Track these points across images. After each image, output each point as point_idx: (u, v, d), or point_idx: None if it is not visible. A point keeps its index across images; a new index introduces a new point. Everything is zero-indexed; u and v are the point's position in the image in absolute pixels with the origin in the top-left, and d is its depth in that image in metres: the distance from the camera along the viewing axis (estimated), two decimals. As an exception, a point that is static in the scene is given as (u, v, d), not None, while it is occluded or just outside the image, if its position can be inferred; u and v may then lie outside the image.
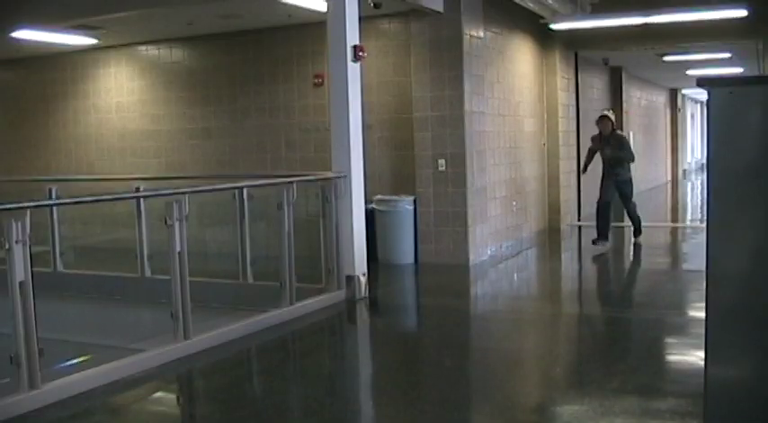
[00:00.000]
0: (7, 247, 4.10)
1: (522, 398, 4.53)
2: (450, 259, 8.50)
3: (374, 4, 7.85)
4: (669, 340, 5.69)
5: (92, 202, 5.90)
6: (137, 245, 7.17)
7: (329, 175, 6.75)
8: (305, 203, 6.78)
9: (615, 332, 5.98)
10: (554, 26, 9.89)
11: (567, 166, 11.95)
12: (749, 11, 8.47)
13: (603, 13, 9.60)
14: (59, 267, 7.89)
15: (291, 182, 6.42)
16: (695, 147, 27.81)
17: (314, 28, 8.69)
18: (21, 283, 4.14)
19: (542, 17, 9.48)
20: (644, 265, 9.37)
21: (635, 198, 9.74)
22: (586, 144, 13.29)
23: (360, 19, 6.81)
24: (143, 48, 10.63)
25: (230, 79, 10.05)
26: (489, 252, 9.05)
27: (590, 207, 13.54)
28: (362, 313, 6.61)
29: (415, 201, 8.66)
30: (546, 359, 5.35)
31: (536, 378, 4.88)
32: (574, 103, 12.41)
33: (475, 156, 8.63)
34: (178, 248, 5.16)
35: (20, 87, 11.81)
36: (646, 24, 9.77)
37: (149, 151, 10.72)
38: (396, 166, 9.00)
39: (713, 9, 8.71)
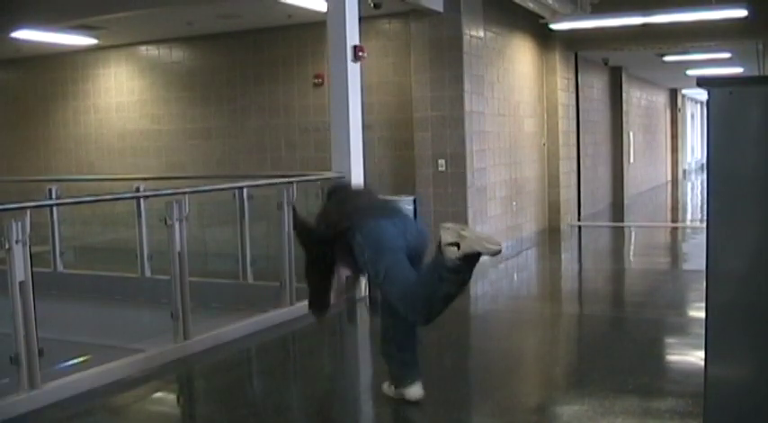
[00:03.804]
0: (7, 247, 4.10)
1: (522, 398, 4.53)
2: (450, 259, 8.47)
3: (374, 4, 7.84)
4: (669, 340, 5.69)
5: (92, 202, 5.90)
6: (137, 245, 7.18)
7: (329, 175, 6.74)
8: (305, 203, 6.77)
9: (615, 332, 5.97)
10: (554, 26, 9.88)
11: (567, 166, 11.95)
12: (749, 11, 8.47)
13: (603, 13, 9.60)
14: (59, 267, 7.89)
15: (291, 182, 6.42)
16: (695, 147, 27.79)
17: (314, 28, 8.69)
18: (21, 283, 4.14)
19: (542, 17, 9.48)
20: (644, 265, 9.36)
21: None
22: (586, 144, 13.35)
23: (360, 19, 6.81)
24: (143, 48, 10.63)
25: (230, 79, 10.04)
26: (489, 252, 9.03)
27: (590, 207, 13.61)
28: (362, 313, 6.60)
29: (414, 201, 8.65)
30: (546, 359, 5.35)
31: (536, 378, 4.87)
32: (574, 103, 12.41)
33: (475, 156, 8.62)
34: (178, 248, 5.16)
35: (20, 87, 11.81)
36: (646, 24, 9.76)
37: (149, 151, 10.71)
38: (396, 166, 8.99)
39: (713, 9, 8.71)
